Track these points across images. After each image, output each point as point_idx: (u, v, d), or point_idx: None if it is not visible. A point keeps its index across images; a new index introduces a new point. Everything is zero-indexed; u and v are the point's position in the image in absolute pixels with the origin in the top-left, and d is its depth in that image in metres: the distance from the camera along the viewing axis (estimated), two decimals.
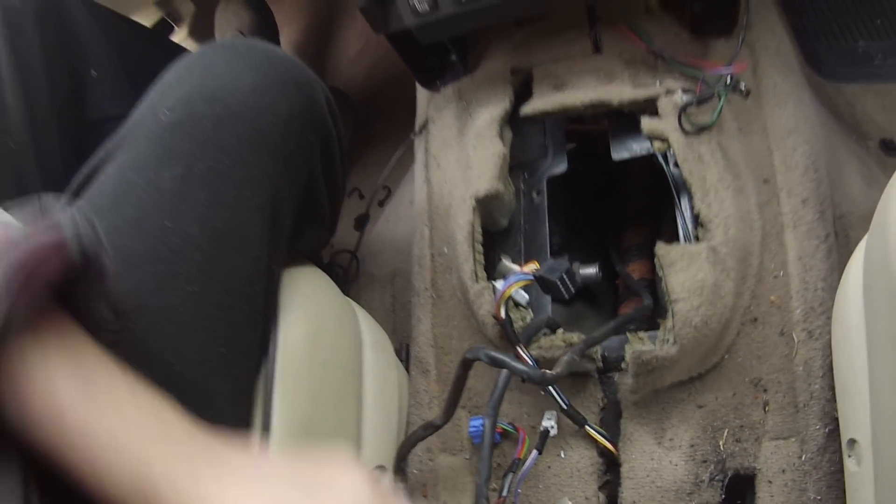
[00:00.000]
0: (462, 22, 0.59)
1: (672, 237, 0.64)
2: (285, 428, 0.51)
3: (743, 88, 0.57)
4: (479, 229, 0.58)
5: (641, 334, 0.55)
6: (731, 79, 0.55)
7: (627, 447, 0.54)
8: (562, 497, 0.56)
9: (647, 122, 0.56)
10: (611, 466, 0.55)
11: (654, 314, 0.65)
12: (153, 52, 0.62)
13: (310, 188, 0.52)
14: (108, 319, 0.35)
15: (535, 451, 0.53)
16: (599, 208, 0.73)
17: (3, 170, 0.51)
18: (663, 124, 0.56)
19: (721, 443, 0.54)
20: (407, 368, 0.65)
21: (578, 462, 0.55)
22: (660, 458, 0.54)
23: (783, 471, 0.53)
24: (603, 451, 0.55)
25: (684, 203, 0.58)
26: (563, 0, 0.58)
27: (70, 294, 0.33)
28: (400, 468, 0.61)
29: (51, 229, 0.32)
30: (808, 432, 0.53)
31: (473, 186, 0.58)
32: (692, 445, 0.54)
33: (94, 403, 0.32)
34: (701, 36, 0.63)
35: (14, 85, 0.50)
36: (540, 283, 0.53)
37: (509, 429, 0.56)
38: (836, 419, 0.50)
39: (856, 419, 0.46)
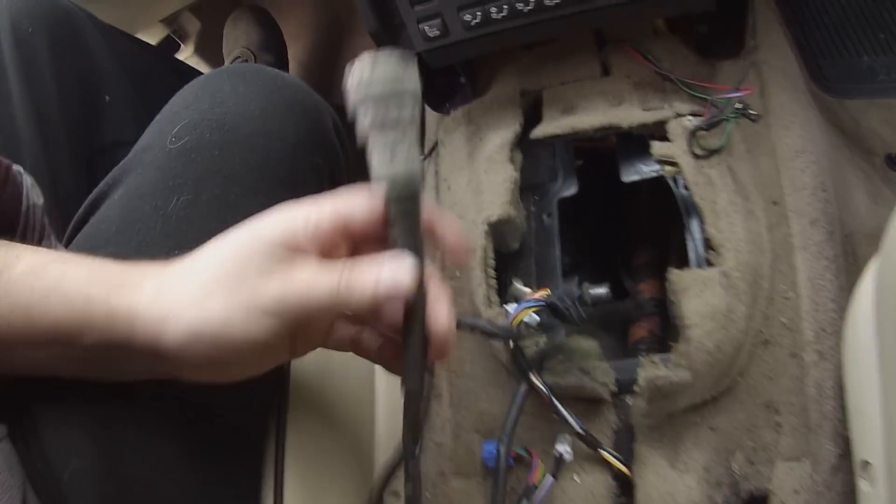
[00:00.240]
0: (472, 47, 0.60)
1: (681, 258, 0.64)
2: (297, 454, 0.51)
3: (752, 113, 0.57)
4: (491, 254, 0.58)
5: (654, 358, 0.55)
6: (740, 103, 0.56)
7: (641, 470, 0.54)
8: None
9: (657, 147, 0.56)
10: (625, 490, 0.55)
11: (664, 336, 0.65)
12: (165, 74, 0.63)
13: None
14: None
15: (550, 478, 0.53)
16: (606, 227, 0.73)
17: None
18: (673, 148, 0.56)
19: (734, 465, 0.55)
20: None
21: (593, 486, 0.55)
22: (674, 482, 0.54)
23: (796, 492, 0.53)
24: (617, 475, 0.55)
25: (694, 226, 0.58)
26: (571, 25, 0.58)
27: None
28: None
29: None
30: (820, 453, 0.53)
31: (486, 212, 0.58)
32: (706, 468, 0.54)
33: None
34: (708, 58, 0.63)
35: (26, 112, 0.51)
36: (552, 310, 0.53)
37: (523, 453, 0.56)
38: (848, 440, 0.51)
39: (868, 440, 0.47)
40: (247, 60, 0.96)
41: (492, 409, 0.60)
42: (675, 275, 0.52)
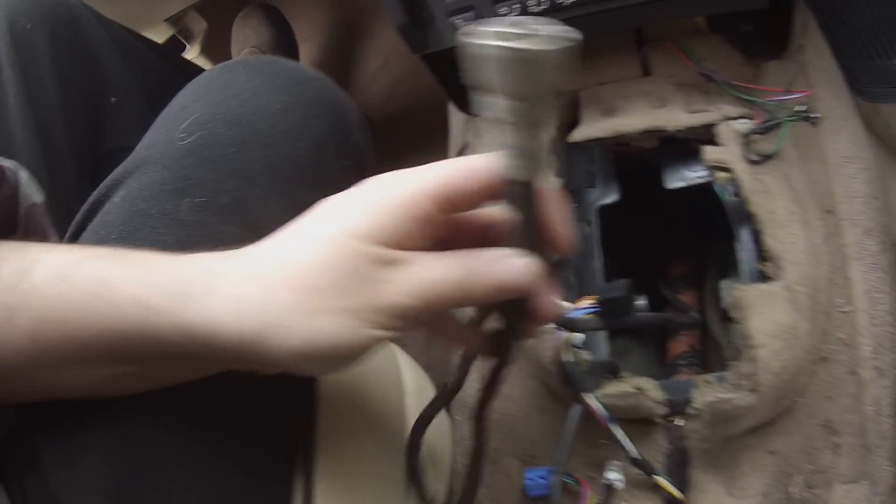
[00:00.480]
0: None
1: (723, 270, 0.61)
2: (328, 485, 0.47)
3: (814, 116, 0.54)
4: None
5: (709, 378, 0.52)
6: (801, 105, 0.53)
7: (697, 498, 0.51)
8: None
9: (710, 152, 0.53)
10: None
11: (704, 350, 0.62)
12: (174, 75, 0.57)
13: None
14: None
15: None
16: (639, 237, 0.69)
17: None
18: (727, 153, 0.53)
19: (793, 490, 0.52)
20: (448, 410, 0.61)
21: None
22: None
23: None
24: (670, 501, 0.52)
25: (745, 236, 0.55)
26: (616, 20, 0.54)
27: None
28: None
29: None
30: (878, 474, 0.51)
31: None
32: (764, 494, 0.51)
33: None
34: (752, 58, 0.60)
35: (24, 114, 0.45)
36: (603, 307, 0.50)
37: (570, 481, 0.52)
38: None
39: None
40: None
41: (531, 433, 0.56)
42: (739, 290, 0.48)
